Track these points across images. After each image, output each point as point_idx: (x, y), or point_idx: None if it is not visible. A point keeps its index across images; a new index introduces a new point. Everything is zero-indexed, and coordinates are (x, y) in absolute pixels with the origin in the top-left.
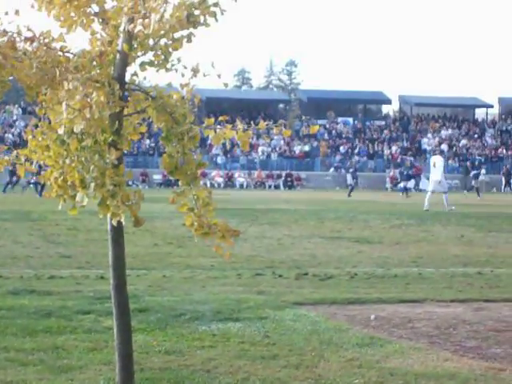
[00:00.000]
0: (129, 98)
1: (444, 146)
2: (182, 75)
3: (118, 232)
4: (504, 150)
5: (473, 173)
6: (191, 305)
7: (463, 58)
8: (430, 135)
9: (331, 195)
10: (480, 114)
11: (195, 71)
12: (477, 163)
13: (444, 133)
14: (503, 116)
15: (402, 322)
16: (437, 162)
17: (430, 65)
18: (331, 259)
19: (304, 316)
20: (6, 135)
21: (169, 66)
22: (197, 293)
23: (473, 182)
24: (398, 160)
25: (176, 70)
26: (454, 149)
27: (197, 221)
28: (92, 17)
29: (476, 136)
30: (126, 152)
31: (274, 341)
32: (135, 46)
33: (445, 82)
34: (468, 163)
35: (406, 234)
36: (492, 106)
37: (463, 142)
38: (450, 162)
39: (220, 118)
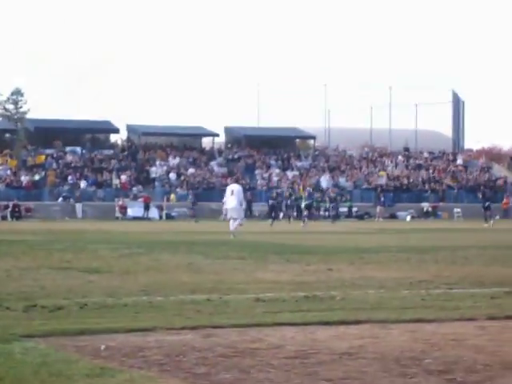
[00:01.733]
0: None
1: (172, 175)
2: None
3: None
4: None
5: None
6: None
7: (189, 88)
8: (158, 164)
9: (60, 225)
10: (207, 142)
11: None
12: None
13: (172, 161)
14: (229, 145)
15: (133, 350)
16: (234, 190)
17: (157, 93)
18: (60, 290)
19: (33, 348)
20: None
21: None
22: None
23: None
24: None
25: None
26: (182, 177)
27: None
28: None
29: (203, 164)
30: None
31: (2, 375)
32: None
33: (172, 111)
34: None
35: (136, 262)
36: (218, 135)
37: (191, 170)
38: (178, 190)
39: None
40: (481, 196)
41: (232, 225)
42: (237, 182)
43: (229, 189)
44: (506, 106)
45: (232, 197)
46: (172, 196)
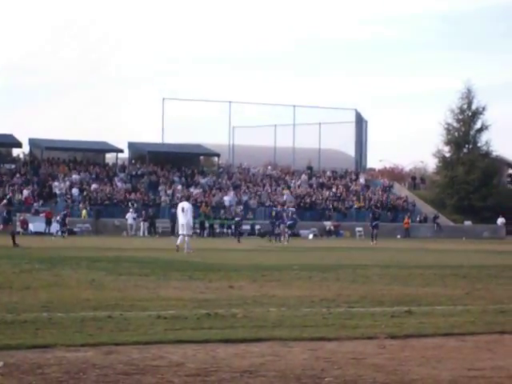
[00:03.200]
0: None
1: (75, 190)
2: None
3: None
4: (134, 194)
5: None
6: None
7: (93, 102)
8: (60, 179)
9: None
10: (110, 158)
11: None
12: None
13: (75, 177)
14: (133, 161)
15: (32, 368)
16: (185, 207)
17: (61, 107)
18: None
19: None
20: None
21: None
22: None
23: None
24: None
25: None
26: (85, 193)
27: None
28: None
29: (106, 180)
30: None
31: None
32: None
33: (76, 125)
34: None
35: (37, 278)
36: (122, 151)
37: (94, 186)
38: (80, 205)
39: None
40: (371, 216)
41: (180, 240)
42: (187, 200)
43: (179, 206)
44: (408, 127)
45: (183, 214)
46: (84, 212)
